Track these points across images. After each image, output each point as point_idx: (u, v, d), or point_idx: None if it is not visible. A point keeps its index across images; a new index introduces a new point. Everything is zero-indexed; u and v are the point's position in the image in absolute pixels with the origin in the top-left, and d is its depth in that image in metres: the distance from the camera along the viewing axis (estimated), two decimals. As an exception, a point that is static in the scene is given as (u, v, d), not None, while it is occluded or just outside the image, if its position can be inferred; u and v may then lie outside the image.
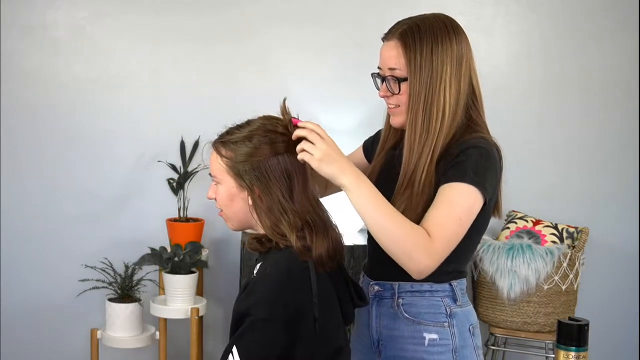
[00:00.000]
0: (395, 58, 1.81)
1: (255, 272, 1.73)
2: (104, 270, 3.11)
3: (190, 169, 3.35)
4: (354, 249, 3.08)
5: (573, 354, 1.50)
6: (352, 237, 3.27)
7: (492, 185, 1.77)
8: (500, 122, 3.63)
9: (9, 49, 3.46)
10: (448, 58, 1.78)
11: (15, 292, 3.53)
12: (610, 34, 3.66)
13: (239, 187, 1.72)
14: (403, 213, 1.73)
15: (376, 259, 1.91)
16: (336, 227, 1.76)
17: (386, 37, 1.86)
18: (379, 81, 1.89)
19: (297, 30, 3.56)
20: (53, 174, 3.52)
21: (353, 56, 3.55)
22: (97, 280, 3.10)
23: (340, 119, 3.56)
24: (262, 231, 1.74)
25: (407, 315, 1.86)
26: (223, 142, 1.74)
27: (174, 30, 3.52)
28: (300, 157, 1.67)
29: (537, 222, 3.43)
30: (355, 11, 3.56)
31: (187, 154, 3.36)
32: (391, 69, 1.82)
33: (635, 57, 3.65)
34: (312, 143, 1.66)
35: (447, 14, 1.88)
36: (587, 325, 1.51)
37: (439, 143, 1.79)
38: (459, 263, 1.88)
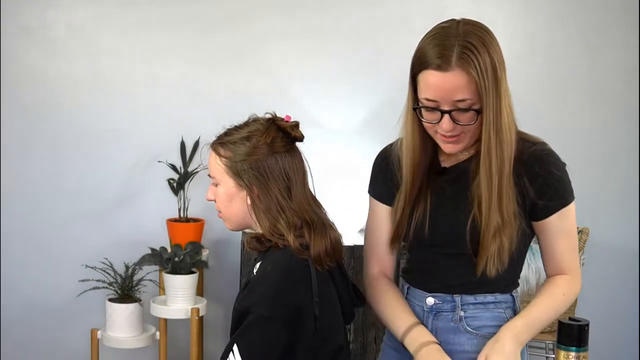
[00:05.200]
0: (464, 89, 1.61)
1: (255, 270, 1.74)
2: (104, 270, 3.11)
3: (190, 169, 3.34)
4: (354, 249, 3.07)
5: (573, 354, 1.50)
6: (352, 237, 3.27)
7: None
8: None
9: (9, 49, 3.46)
10: (505, 75, 1.66)
11: (15, 292, 3.53)
12: (611, 35, 3.65)
13: (238, 186, 1.73)
14: (494, 232, 1.69)
15: (429, 270, 1.83)
16: (334, 226, 1.77)
17: (439, 66, 1.61)
18: (427, 112, 1.68)
19: (296, 30, 3.56)
20: (53, 174, 3.51)
21: (353, 56, 3.55)
22: (97, 280, 3.10)
23: (340, 119, 3.56)
24: (260, 231, 1.75)
25: (469, 329, 1.80)
26: (221, 142, 1.75)
27: (174, 30, 3.51)
28: None
29: (537, 222, 3.43)
30: (355, 12, 3.56)
31: (187, 154, 3.36)
32: (459, 101, 1.62)
33: (635, 58, 3.65)
34: None
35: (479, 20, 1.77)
36: (587, 325, 1.51)
37: (509, 161, 1.70)
38: (520, 271, 1.88)
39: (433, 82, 1.62)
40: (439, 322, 1.81)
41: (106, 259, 3.18)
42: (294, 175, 1.72)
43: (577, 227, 3.39)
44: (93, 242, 3.50)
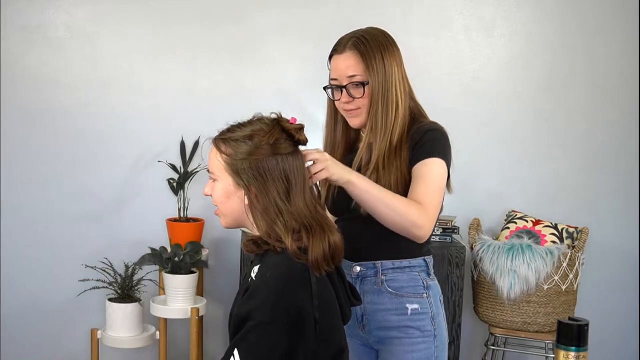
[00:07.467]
0: (353, 66, 2.03)
1: (253, 275, 1.72)
2: (104, 270, 3.11)
3: (190, 169, 3.35)
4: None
5: (573, 354, 1.50)
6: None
7: (450, 159, 2.04)
8: (499, 122, 3.66)
9: (9, 49, 3.46)
10: (394, 61, 2.04)
11: (15, 292, 3.53)
12: (610, 34, 3.66)
13: (236, 185, 1.71)
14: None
15: (357, 243, 2.06)
16: (337, 230, 1.75)
17: (337, 51, 2.07)
18: (332, 91, 2.08)
19: (296, 31, 3.56)
20: (53, 174, 3.52)
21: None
22: (97, 280, 3.10)
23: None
24: (256, 232, 1.73)
25: (390, 290, 2.05)
26: (224, 139, 1.73)
27: (174, 30, 3.52)
28: (316, 178, 1.83)
29: (537, 222, 3.43)
30: (353, 13, 3.56)
31: (187, 154, 3.36)
32: (350, 77, 2.03)
33: (635, 57, 3.65)
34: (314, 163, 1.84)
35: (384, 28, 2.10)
36: (587, 325, 1.51)
37: (395, 132, 2.02)
38: (429, 240, 2.08)
39: (334, 64, 2.07)
40: (365, 286, 2.07)
41: (106, 259, 3.18)
42: (295, 178, 1.70)
43: (577, 227, 3.43)
44: (93, 242, 3.51)
